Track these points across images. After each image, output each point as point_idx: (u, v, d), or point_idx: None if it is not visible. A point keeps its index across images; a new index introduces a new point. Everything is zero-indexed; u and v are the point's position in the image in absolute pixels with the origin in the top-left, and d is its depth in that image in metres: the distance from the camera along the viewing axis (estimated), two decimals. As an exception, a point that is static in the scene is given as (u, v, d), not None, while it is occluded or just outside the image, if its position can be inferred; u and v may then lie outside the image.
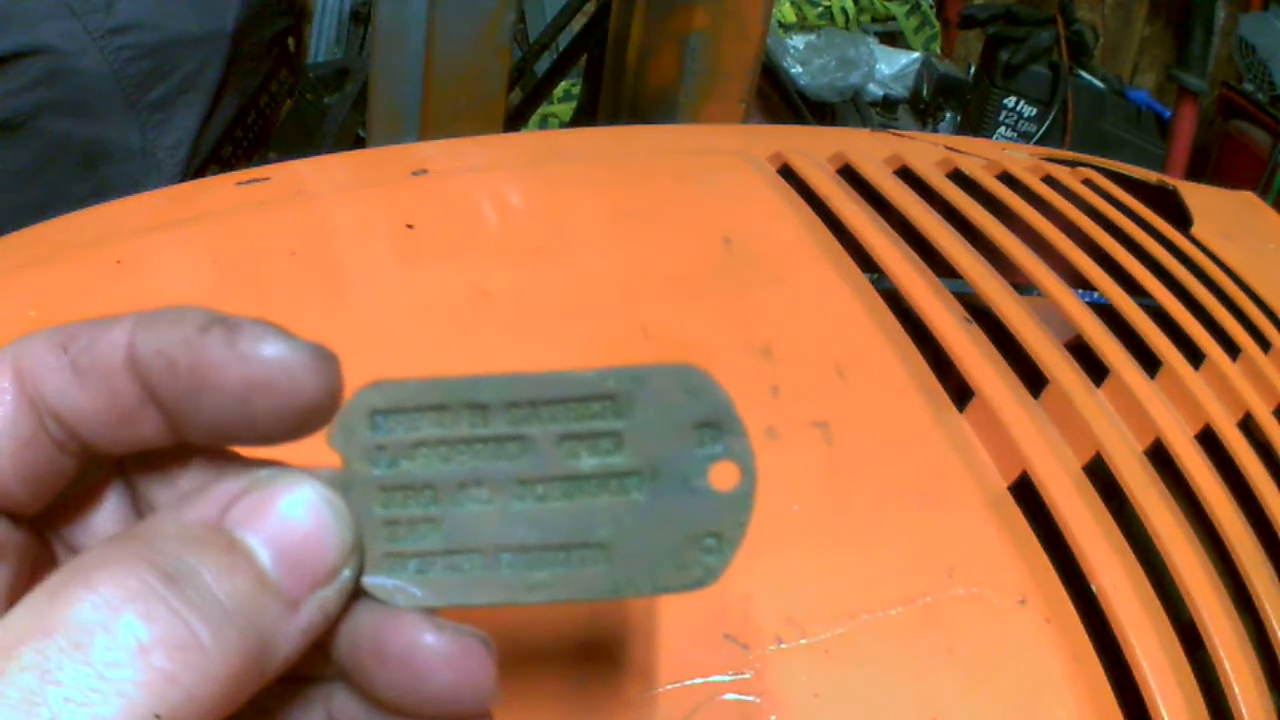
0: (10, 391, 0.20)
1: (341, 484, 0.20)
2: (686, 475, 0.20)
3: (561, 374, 0.20)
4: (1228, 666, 0.33)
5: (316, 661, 0.20)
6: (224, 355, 0.19)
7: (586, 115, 1.02)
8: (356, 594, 0.20)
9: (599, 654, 0.30)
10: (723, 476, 0.20)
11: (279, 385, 0.19)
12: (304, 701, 0.21)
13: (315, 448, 0.21)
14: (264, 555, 0.19)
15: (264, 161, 1.01)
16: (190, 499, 0.19)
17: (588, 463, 0.20)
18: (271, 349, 0.19)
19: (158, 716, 0.16)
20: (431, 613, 0.20)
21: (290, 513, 0.19)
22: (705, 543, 0.20)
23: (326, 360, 0.20)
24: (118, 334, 0.20)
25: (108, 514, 0.22)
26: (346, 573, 0.20)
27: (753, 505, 0.20)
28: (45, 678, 0.16)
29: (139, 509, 0.22)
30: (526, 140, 0.62)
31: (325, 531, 0.19)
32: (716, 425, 0.20)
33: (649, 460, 0.20)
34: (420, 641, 0.20)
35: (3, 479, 0.20)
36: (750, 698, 0.30)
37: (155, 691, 0.16)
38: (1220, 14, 1.78)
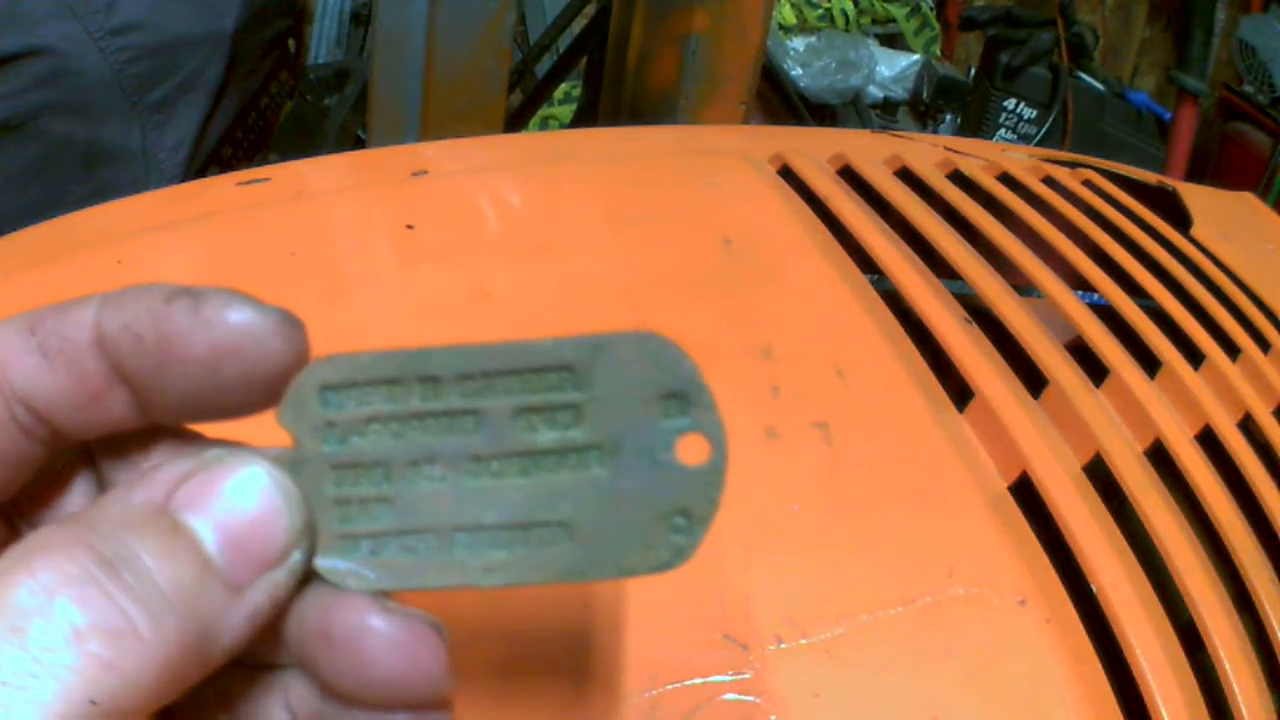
0: None
1: (292, 463, 0.19)
2: (652, 449, 0.19)
3: (516, 344, 0.20)
4: (1228, 666, 0.33)
5: (274, 648, 0.20)
6: (190, 323, 0.19)
7: (587, 117, 1.02)
8: (308, 578, 0.19)
9: (599, 654, 0.30)
10: (691, 450, 0.19)
11: (247, 350, 0.19)
12: (264, 688, 0.21)
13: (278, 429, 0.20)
14: (209, 539, 0.18)
15: (264, 162, 1.01)
16: (138, 481, 0.19)
17: (545, 437, 0.19)
18: (238, 315, 0.19)
19: (93, 703, 0.16)
20: (382, 596, 0.20)
21: (237, 494, 0.19)
22: (674, 521, 0.19)
23: (293, 324, 0.19)
24: (84, 313, 0.19)
25: (76, 500, 0.22)
26: (297, 556, 0.19)
27: (724, 480, 0.19)
28: None
29: (104, 488, 0.22)
30: (527, 141, 0.62)
31: (274, 513, 0.19)
32: (683, 396, 0.19)
33: (610, 434, 0.19)
34: (366, 625, 0.19)
35: None
36: (750, 698, 0.30)
37: (91, 678, 0.16)
38: (1220, 16, 1.78)
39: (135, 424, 0.20)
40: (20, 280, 0.41)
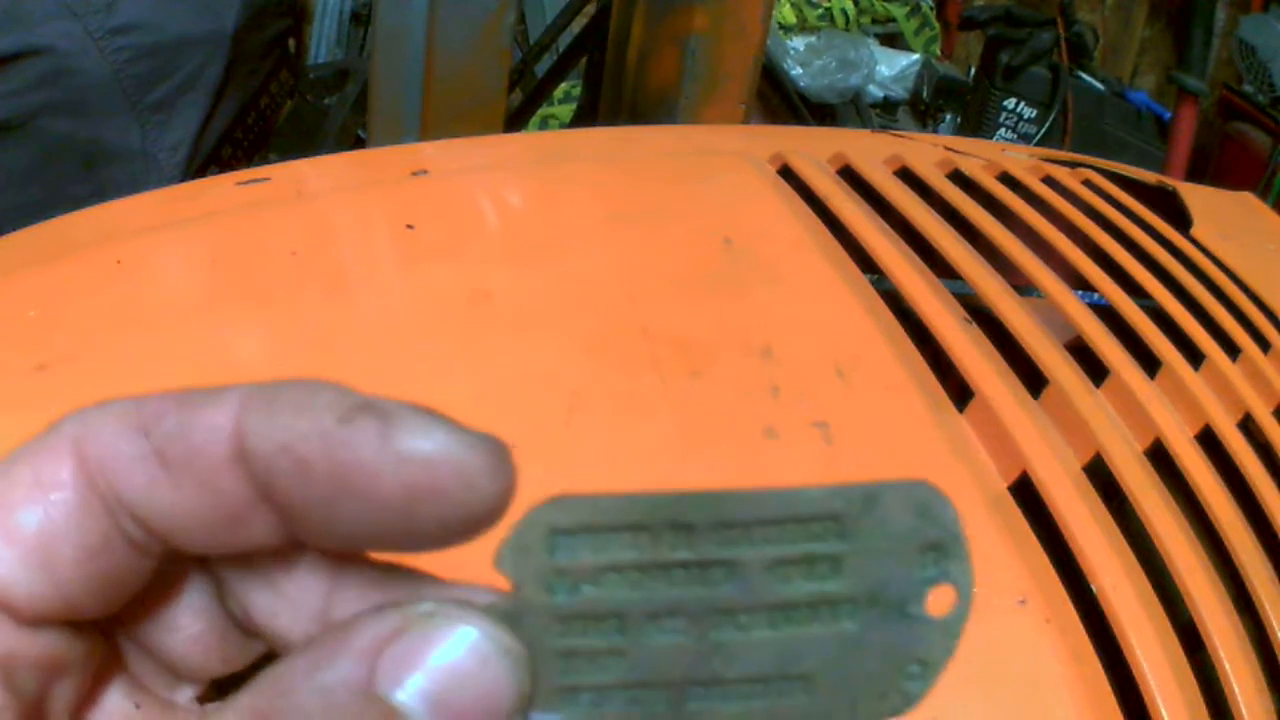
0: (73, 487, 0.16)
1: (512, 613, 0.17)
2: (904, 602, 0.18)
3: (784, 491, 0.18)
4: (1228, 666, 0.33)
5: None
6: (378, 455, 0.15)
7: (587, 116, 1.02)
8: None
9: None
10: (938, 601, 0.18)
11: (450, 493, 0.16)
12: None
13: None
14: None
15: (264, 162, 1.01)
16: (327, 649, 0.16)
17: (800, 589, 0.18)
18: (439, 445, 0.15)
19: None
20: None
21: (457, 663, 0.16)
22: (910, 669, 0.18)
23: (502, 456, 0.16)
24: (219, 418, 0.16)
25: (188, 609, 0.19)
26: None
27: (964, 629, 0.18)
28: None
29: (225, 602, 0.19)
30: (527, 141, 0.62)
31: (498, 683, 0.16)
32: (942, 548, 0.18)
33: (868, 586, 0.18)
34: None
35: (66, 590, 0.16)
36: None
37: None
38: (1220, 15, 1.78)
39: (279, 544, 0.17)
40: (20, 280, 0.41)
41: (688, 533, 0.18)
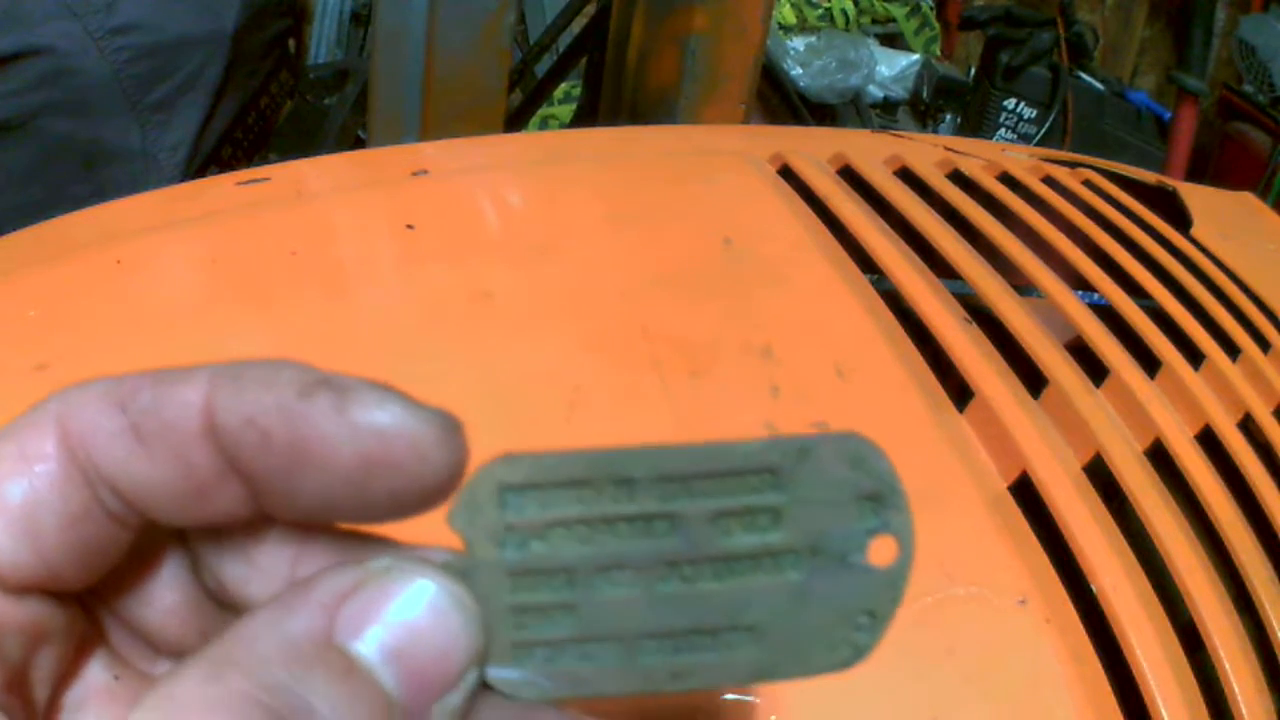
0: (56, 459, 0.17)
1: (464, 569, 0.18)
2: (845, 552, 0.19)
3: (720, 445, 0.18)
4: (1228, 666, 0.33)
5: None
6: (334, 427, 0.16)
7: (587, 117, 1.02)
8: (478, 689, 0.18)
9: None
10: (880, 551, 0.19)
11: (403, 464, 0.16)
12: None
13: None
14: (386, 673, 0.16)
15: (264, 162, 1.01)
16: (290, 602, 0.16)
17: (742, 541, 0.18)
18: (392, 418, 0.16)
19: None
20: (557, 706, 0.18)
21: (412, 615, 0.17)
22: (858, 620, 0.19)
23: (454, 430, 0.17)
24: (190, 393, 0.17)
25: (166, 583, 0.20)
26: (472, 674, 0.17)
27: (908, 580, 0.19)
28: None
29: (201, 576, 0.20)
30: (527, 141, 0.62)
31: (452, 635, 0.17)
32: (879, 498, 0.19)
33: (808, 537, 0.19)
34: None
35: (49, 558, 0.17)
36: (750, 698, 0.30)
37: None
38: (1220, 15, 1.78)
39: (248, 515, 0.18)
40: (20, 280, 0.41)
41: (629, 487, 0.18)
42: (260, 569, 0.19)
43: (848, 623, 0.19)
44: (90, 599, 0.19)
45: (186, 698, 0.15)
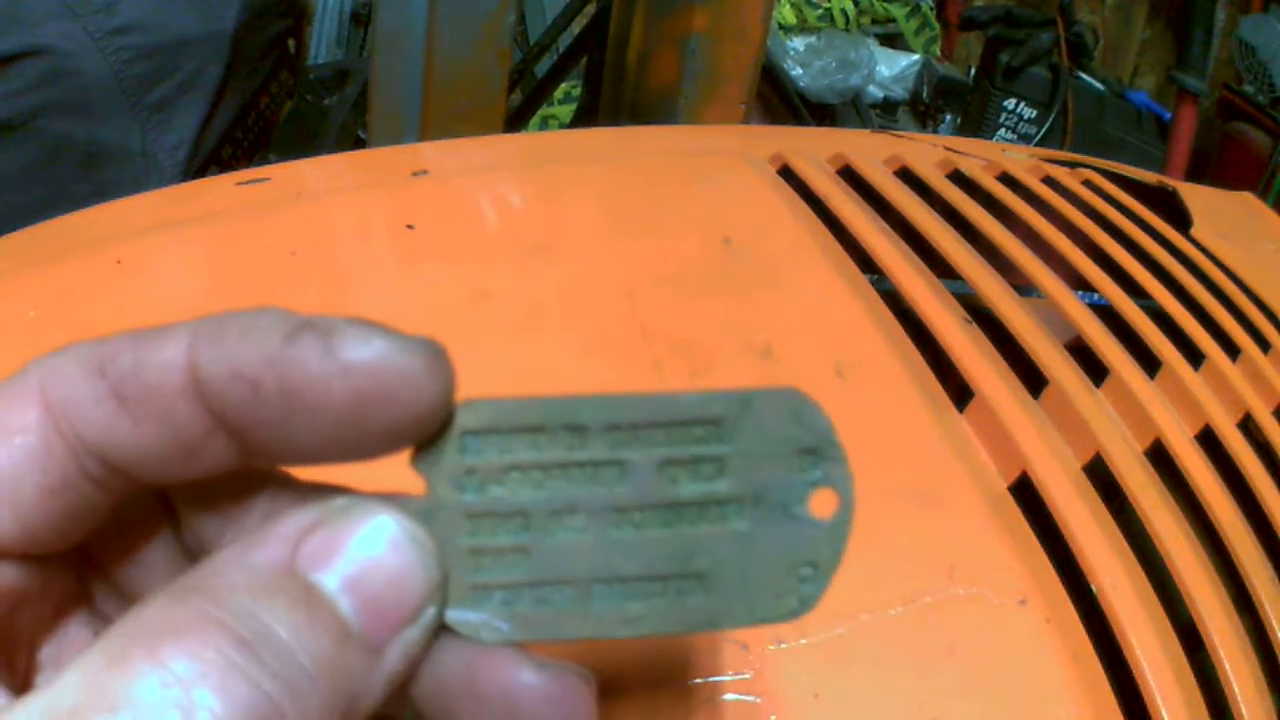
0: (37, 430, 0.17)
1: (425, 511, 0.18)
2: (787, 503, 0.19)
3: (664, 396, 0.19)
4: (1228, 666, 0.33)
5: (395, 705, 0.18)
6: (323, 369, 0.16)
7: (587, 117, 1.02)
8: (438, 630, 0.18)
9: (599, 653, 0.30)
10: (821, 504, 0.20)
11: (395, 394, 0.16)
12: None
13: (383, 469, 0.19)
14: (344, 602, 0.17)
15: (264, 163, 1.01)
16: (256, 538, 0.17)
17: (688, 489, 0.19)
18: (380, 352, 0.16)
19: None
20: (520, 648, 0.19)
21: (368, 548, 0.17)
22: (802, 572, 0.20)
23: (440, 357, 0.17)
24: (171, 352, 0.17)
25: (148, 543, 0.20)
26: (431, 611, 0.18)
27: (849, 533, 0.20)
28: None
29: (184, 537, 0.20)
30: (527, 141, 0.62)
31: (409, 568, 0.17)
32: (817, 451, 0.20)
33: (751, 487, 0.19)
34: (520, 681, 0.18)
35: (29, 526, 0.17)
36: (750, 698, 0.30)
37: None
38: (1220, 15, 1.78)
39: (234, 469, 0.18)
40: (20, 279, 0.41)
41: (581, 434, 0.19)
42: (241, 527, 0.19)
43: (792, 573, 0.20)
44: (75, 561, 0.19)
45: (152, 620, 0.15)
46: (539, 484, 0.19)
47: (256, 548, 0.17)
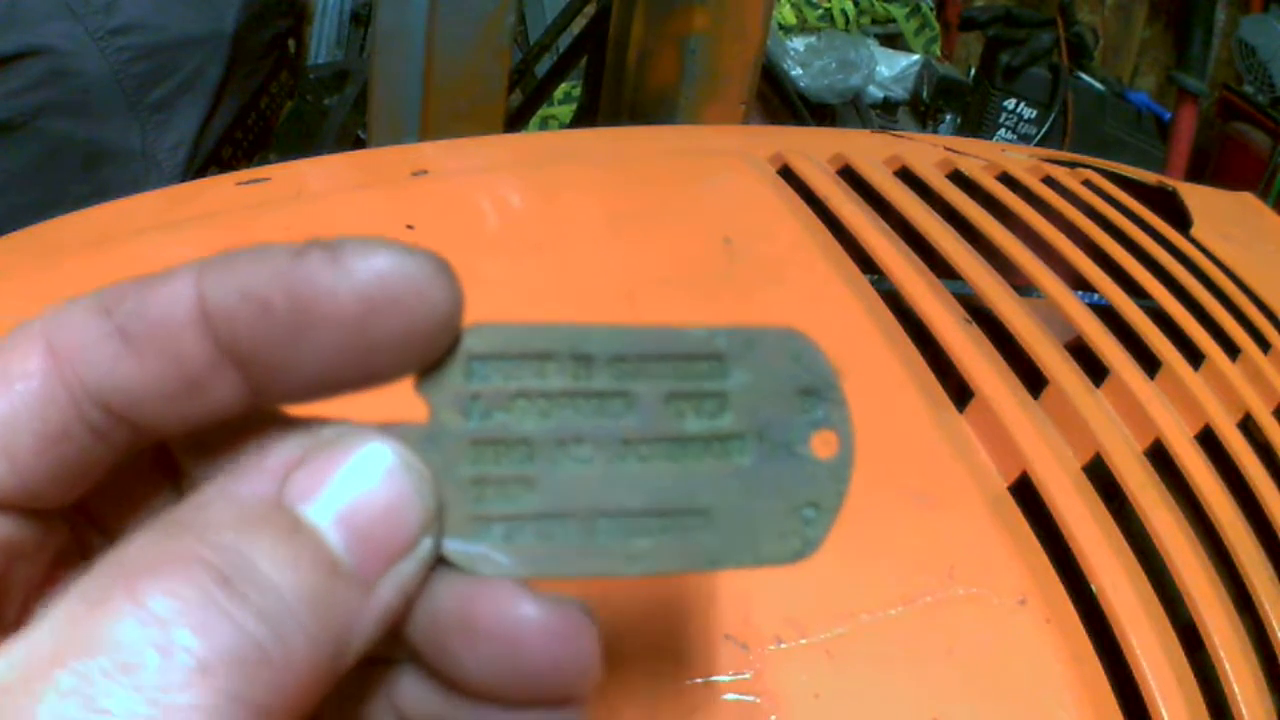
0: (40, 376, 0.17)
1: (427, 438, 0.18)
2: (790, 441, 0.20)
3: (669, 329, 0.19)
4: (1228, 666, 0.33)
5: (388, 644, 0.18)
6: (333, 277, 0.16)
7: (587, 117, 1.02)
8: (434, 563, 0.18)
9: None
10: (823, 444, 0.20)
11: (405, 302, 0.16)
12: (365, 689, 0.19)
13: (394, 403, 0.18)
14: (333, 534, 0.16)
15: (264, 163, 1.01)
16: (242, 470, 0.17)
17: (693, 424, 0.19)
18: (387, 260, 0.16)
19: None
20: (520, 583, 0.18)
21: (359, 478, 0.16)
22: (804, 513, 0.20)
23: (445, 268, 0.17)
24: (179, 286, 0.17)
25: (148, 499, 0.19)
26: (426, 543, 0.17)
27: (851, 474, 0.20)
28: (90, 705, 0.13)
29: (184, 491, 0.19)
30: (527, 141, 0.62)
31: (402, 497, 0.17)
32: (818, 392, 0.20)
33: (754, 424, 0.19)
34: (519, 614, 0.17)
35: (26, 478, 0.17)
36: (750, 698, 0.30)
37: (219, 715, 0.14)
38: (1220, 16, 1.78)
39: (239, 409, 0.17)
40: (20, 280, 0.41)
41: (587, 364, 0.19)
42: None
43: (795, 514, 0.20)
44: (72, 515, 0.19)
45: (132, 559, 0.15)
46: (545, 413, 0.19)
47: (241, 480, 0.16)
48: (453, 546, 0.18)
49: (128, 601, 0.14)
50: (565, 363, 0.19)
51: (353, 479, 0.16)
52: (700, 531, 0.19)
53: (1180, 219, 0.59)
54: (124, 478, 0.19)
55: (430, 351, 0.17)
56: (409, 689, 0.18)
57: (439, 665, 0.18)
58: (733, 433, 0.19)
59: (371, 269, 0.16)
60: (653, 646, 0.30)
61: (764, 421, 0.19)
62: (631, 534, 0.19)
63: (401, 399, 0.18)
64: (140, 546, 0.15)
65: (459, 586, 0.17)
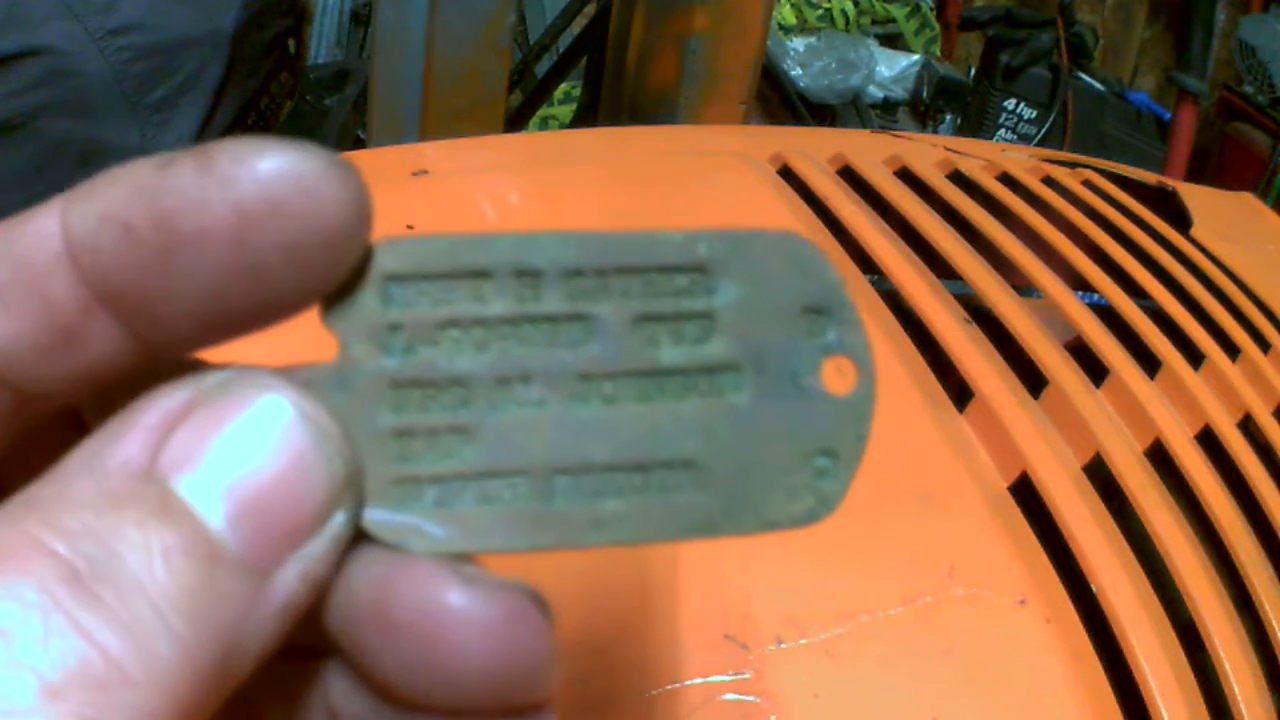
0: None
1: (336, 381, 0.15)
2: (795, 372, 0.16)
3: (638, 234, 0.15)
4: (1228, 666, 0.33)
5: (308, 632, 0.15)
6: (201, 188, 0.13)
7: (587, 117, 1.02)
8: (354, 537, 0.14)
9: (598, 653, 0.30)
10: (837, 375, 0.16)
11: (290, 205, 0.13)
12: (295, 685, 0.16)
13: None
14: (214, 513, 0.13)
15: (264, 163, 1.01)
16: (111, 431, 0.13)
17: (670, 353, 0.15)
18: (268, 160, 0.13)
19: None
20: (458, 560, 0.15)
21: (249, 439, 0.13)
22: (817, 463, 0.16)
23: (345, 165, 0.14)
24: (42, 220, 0.14)
25: None
26: (339, 517, 0.14)
27: (873, 411, 0.16)
28: None
29: None
30: (527, 141, 0.62)
31: (304, 463, 0.14)
32: (826, 311, 0.16)
33: (750, 351, 0.15)
34: (442, 604, 0.14)
35: None
36: (750, 698, 0.30)
37: None
38: (1220, 16, 1.78)
39: (128, 363, 0.15)
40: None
41: (535, 281, 0.15)
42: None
43: (806, 463, 0.16)
44: None
45: None
46: (482, 345, 0.15)
47: (111, 444, 0.13)
48: (374, 517, 0.15)
49: None
50: (506, 281, 0.15)
51: (240, 442, 0.13)
52: (686, 490, 0.15)
53: (1180, 219, 0.59)
54: (37, 452, 0.16)
55: (331, 271, 0.14)
56: (338, 686, 0.16)
57: (358, 663, 0.15)
58: (723, 363, 0.16)
59: (248, 171, 0.13)
60: (652, 646, 0.30)
61: (761, 348, 0.16)
62: (599, 494, 0.15)
63: (322, 340, 0.15)
64: None
65: (379, 567, 0.14)
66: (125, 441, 0.13)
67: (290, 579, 0.13)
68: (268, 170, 0.13)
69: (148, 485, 0.13)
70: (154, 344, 0.14)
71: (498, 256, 0.15)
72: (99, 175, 0.14)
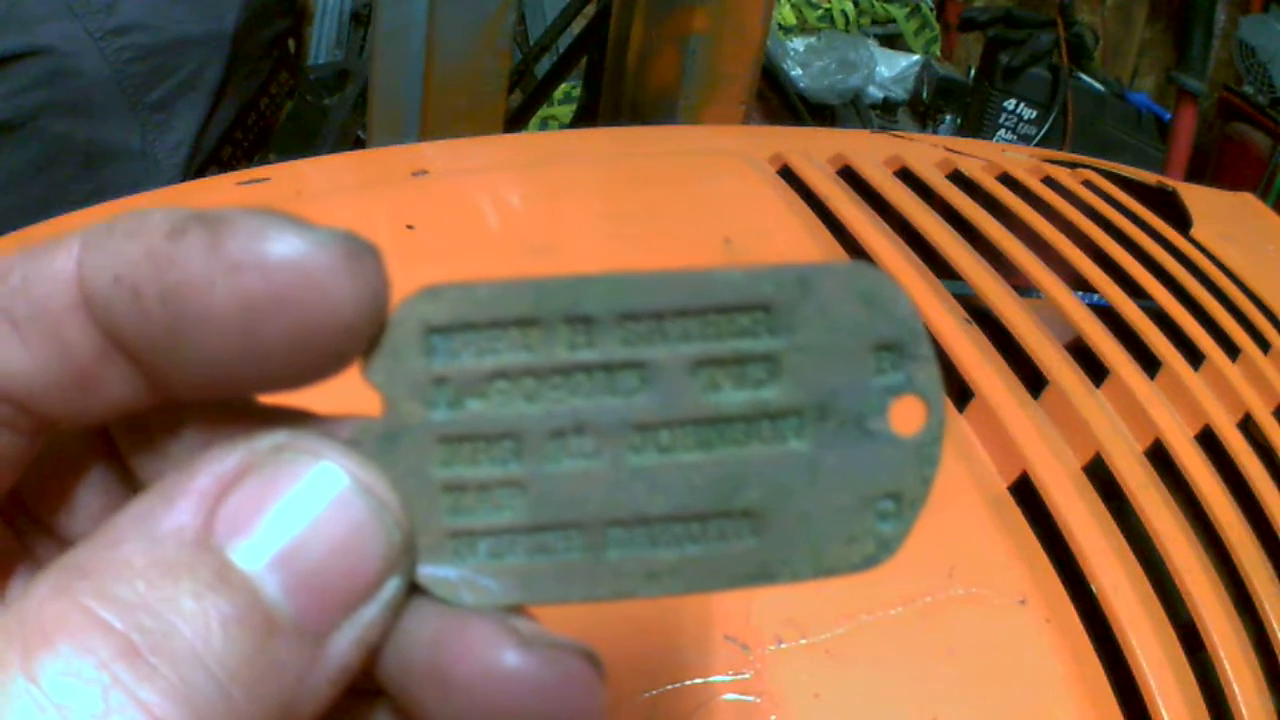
0: None
1: (384, 437, 0.14)
2: (861, 415, 0.15)
3: (696, 273, 0.15)
4: (1228, 666, 0.33)
5: (362, 679, 0.15)
6: (207, 267, 0.13)
7: (587, 117, 1.02)
8: (406, 601, 0.14)
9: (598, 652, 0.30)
10: (905, 416, 0.15)
11: (296, 300, 0.13)
12: None
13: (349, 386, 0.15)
14: (271, 582, 0.13)
15: (264, 163, 1.01)
16: (162, 494, 0.13)
17: (732, 399, 0.15)
18: (276, 245, 0.13)
19: None
20: (512, 614, 0.15)
21: (305, 509, 0.13)
22: (880, 506, 0.15)
23: (362, 253, 0.14)
24: (60, 261, 0.14)
25: (89, 489, 0.17)
26: (393, 583, 0.14)
27: (941, 454, 0.16)
28: None
29: (126, 479, 0.17)
30: (527, 141, 0.62)
31: (361, 531, 0.14)
32: (898, 348, 0.15)
33: (814, 395, 0.15)
34: (500, 665, 0.14)
35: None
36: (750, 698, 0.30)
37: None
38: (1220, 16, 1.78)
39: (147, 402, 0.15)
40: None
41: (587, 327, 0.15)
42: (177, 464, 0.16)
43: (869, 508, 0.15)
44: (12, 513, 0.17)
45: (34, 613, 0.12)
46: (532, 395, 0.15)
47: (162, 508, 0.13)
48: (427, 572, 0.14)
49: (22, 675, 0.12)
50: (556, 328, 0.15)
51: (295, 511, 0.13)
52: (744, 538, 0.15)
53: (1180, 219, 0.59)
54: (50, 466, 0.16)
55: (343, 357, 0.14)
56: None
57: (410, 711, 0.15)
58: (785, 408, 0.15)
59: (253, 257, 0.13)
60: (652, 646, 0.30)
61: (827, 390, 0.15)
62: (653, 545, 0.15)
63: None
64: (39, 600, 0.12)
65: (433, 621, 0.14)
66: (177, 507, 0.13)
67: (345, 645, 0.13)
68: (277, 259, 0.13)
69: (202, 554, 0.13)
70: (169, 393, 0.14)
71: (546, 302, 0.15)
72: (117, 221, 0.14)
